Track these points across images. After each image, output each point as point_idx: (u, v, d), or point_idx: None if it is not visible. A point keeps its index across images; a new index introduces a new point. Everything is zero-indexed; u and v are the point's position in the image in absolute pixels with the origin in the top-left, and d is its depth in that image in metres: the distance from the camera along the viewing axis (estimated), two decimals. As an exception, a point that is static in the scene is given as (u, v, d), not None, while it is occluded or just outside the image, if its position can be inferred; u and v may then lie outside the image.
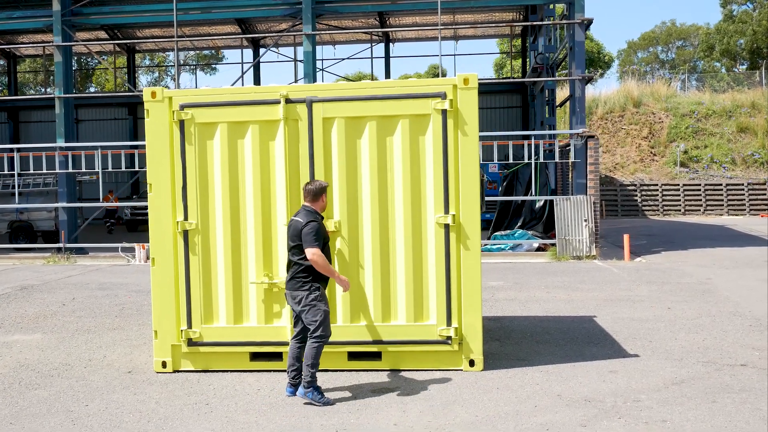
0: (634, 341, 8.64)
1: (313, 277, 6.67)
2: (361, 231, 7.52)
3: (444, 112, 7.37)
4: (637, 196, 34.59)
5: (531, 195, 19.80)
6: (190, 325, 7.65)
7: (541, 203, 20.12)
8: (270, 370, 7.58)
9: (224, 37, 26.94)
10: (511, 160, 18.62)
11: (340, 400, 6.57)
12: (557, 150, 18.60)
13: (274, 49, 30.54)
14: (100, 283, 14.67)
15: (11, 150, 19.83)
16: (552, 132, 19.36)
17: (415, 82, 7.63)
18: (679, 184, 34.57)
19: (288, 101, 7.50)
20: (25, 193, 22.13)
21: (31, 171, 20.26)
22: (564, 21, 19.73)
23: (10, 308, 11.82)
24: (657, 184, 34.62)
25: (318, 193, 6.85)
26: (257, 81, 30.50)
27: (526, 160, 18.05)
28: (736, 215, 33.30)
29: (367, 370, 7.50)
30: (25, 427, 6.09)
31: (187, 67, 40.97)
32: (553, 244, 18.12)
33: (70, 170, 19.50)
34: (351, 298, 7.52)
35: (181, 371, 7.69)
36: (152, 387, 7.18)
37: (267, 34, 22.23)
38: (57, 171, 19.43)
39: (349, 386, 7.01)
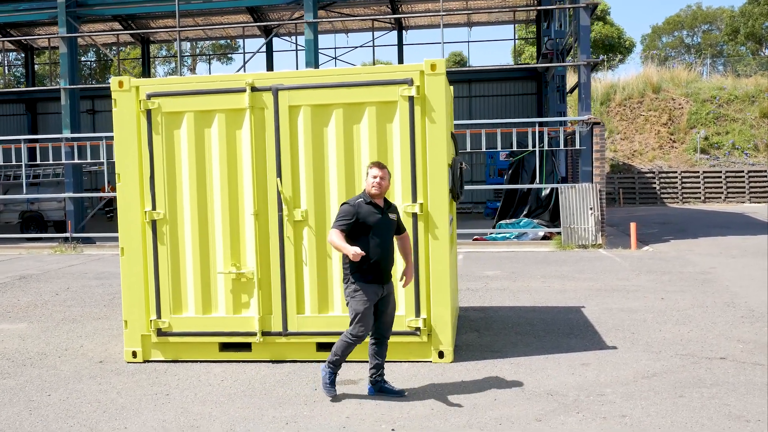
0: (616, 333, 8.46)
1: (351, 269, 6.16)
2: (328, 220, 7.40)
3: (411, 99, 7.22)
4: (655, 183, 34.10)
5: (536, 183, 19.52)
6: (159, 315, 7.61)
7: (548, 191, 19.86)
8: (239, 361, 7.52)
9: (234, 25, 26.89)
10: (515, 148, 18.36)
11: (301, 392, 6.49)
12: (562, 137, 18.32)
13: (287, 38, 30.46)
14: (98, 272, 14.73)
15: (18, 141, 19.93)
16: (554, 119, 19.04)
17: (381, 69, 7.48)
18: (699, 172, 34.02)
19: (254, 89, 7.40)
20: (36, 184, 22.35)
21: (38, 161, 20.41)
22: (570, 5, 19.39)
23: (3, 297, 11.90)
24: (676, 172, 34.10)
25: (366, 173, 6.37)
26: (270, 70, 30.45)
27: (530, 148, 17.78)
28: (759, 203, 32.69)
29: (335, 362, 7.40)
30: (-19, 417, 6.09)
31: (203, 57, 41.03)
32: (559, 233, 17.88)
33: (76, 161, 19.62)
34: (318, 289, 7.43)
35: (151, 361, 7.65)
36: (119, 377, 7.15)
37: (274, 23, 22.15)
38: (63, 162, 19.55)
39: (313, 378, 6.91)
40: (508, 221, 19.54)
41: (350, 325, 6.18)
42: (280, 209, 7.40)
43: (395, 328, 7.27)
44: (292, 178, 7.40)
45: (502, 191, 21.41)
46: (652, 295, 10.80)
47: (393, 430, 5.52)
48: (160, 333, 7.60)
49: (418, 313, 7.30)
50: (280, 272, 7.43)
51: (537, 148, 17.91)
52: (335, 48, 31.88)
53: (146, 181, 7.57)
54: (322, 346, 7.50)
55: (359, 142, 7.35)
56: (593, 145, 17.75)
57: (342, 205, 6.25)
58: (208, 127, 7.51)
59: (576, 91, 18.81)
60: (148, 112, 7.52)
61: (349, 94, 7.32)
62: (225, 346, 7.63)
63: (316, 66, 18.85)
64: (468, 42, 33.09)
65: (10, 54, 38.67)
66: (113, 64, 41.22)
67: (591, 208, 17.56)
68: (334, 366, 6.25)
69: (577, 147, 17.95)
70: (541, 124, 18.79)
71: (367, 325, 6.13)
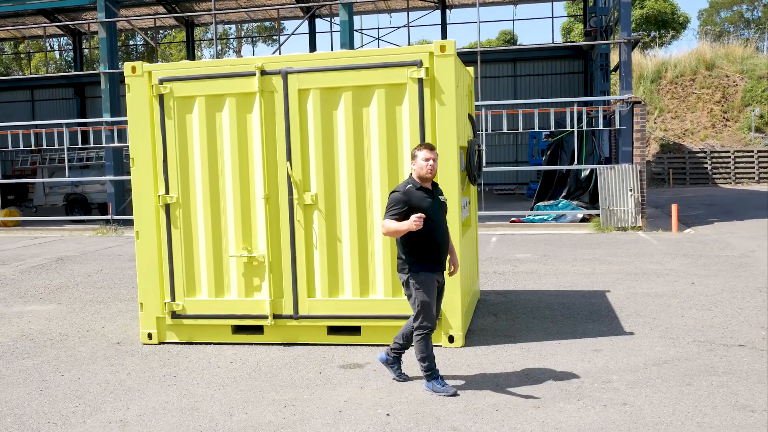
0: (636, 318, 8.28)
1: (413, 257, 5.83)
2: (338, 204, 7.39)
3: (420, 81, 7.13)
4: (707, 163, 33.23)
5: (575, 164, 19.18)
6: (173, 298, 7.70)
7: (587, 172, 19.50)
8: (251, 343, 7.58)
9: (274, 7, 26.90)
10: (553, 129, 18.06)
11: (306, 375, 6.51)
12: (601, 117, 17.93)
13: (327, 19, 30.41)
14: (133, 254, 14.95)
15: (60, 125, 20.36)
16: (592, 99, 18.65)
17: (390, 50, 7.39)
18: (753, 151, 33.03)
19: (263, 73, 7.39)
20: (84, 167, 22.83)
21: (86, 145, 20.84)
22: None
23: (38, 279, 12.21)
24: (729, 151, 33.16)
25: (412, 155, 6.02)
26: (312, 52, 30.48)
27: (568, 129, 17.46)
28: (815, 183, 31.64)
29: (345, 345, 7.41)
30: (-6, 397, 6.25)
31: (247, 39, 41.28)
32: (598, 215, 17.57)
33: (116, 144, 19.97)
34: (329, 272, 7.42)
35: (165, 343, 7.77)
36: (132, 358, 7.27)
37: (314, 3, 22.08)
38: (104, 145, 19.93)
39: (321, 361, 6.94)
40: (546, 203, 19.27)
41: (415, 319, 5.91)
42: (291, 193, 7.41)
43: (405, 312, 7.27)
44: (301, 162, 7.38)
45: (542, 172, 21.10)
46: (682, 280, 10.53)
47: (388, 414, 5.49)
48: (174, 315, 7.70)
49: (427, 297, 7.23)
50: (291, 256, 7.44)
51: (575, 129, 17.57)
52: (378, 28, 31.78)
53: (160, 165, 7.64)
54: (333, 330, 7.51)
55: (368, 125, 7.29)
56: (633, 125, 17.35)
57: (391, 193, 5.95)
58: (220, 111, 7.54)
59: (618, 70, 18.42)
60: (161, 97, 7.58)
61: (358, 76, 7.26)
62: (238, 329, 7.69)
63: (352, 48, 18.76)
64: (513, 20, 32.61)
65: (62, 39, 39.53)
66: (160, 48, 41.74)
67: (630, 190, 17.19)
68: (429, 366, 5.94)
69: (617, 127, 17.56)
70: (579, 103, 18.42)
71: (432, 313, 5.89)
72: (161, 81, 7.56)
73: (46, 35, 33.48)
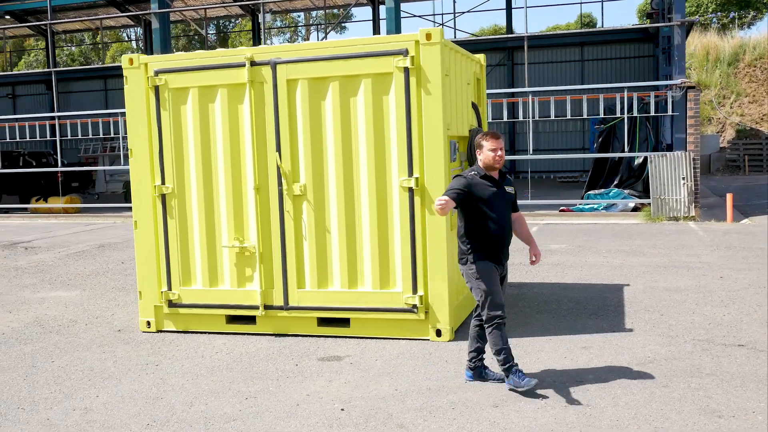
0: (643, 314, 7.96)
1: (472, 246, 5.69)
2: (326, 195, 7.35)
3: (406, 70, 7.00)
4: (786, 150, 31.65)
5: (627, 151, 18.57)
6: (170, 287, 7.82)
7: (641, 160, 18.85)
8: (243, 333, 7.64)
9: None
10: (603, 115, 17.51)
11: (282, 367, 6.51)
12: (653, 102, 17.29)
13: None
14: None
15: (116, 114, 20.95)
16: (641, 84, 17.98)
17: (376, 39, 7.28)
18: (836, 137, 31.32)
19: (253, 64, 7.39)
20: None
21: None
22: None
23: (74, 265, 12.61)
24: (810, 137, 31.52)
25: (477, 145, 5.83)
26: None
27: (618, 115, 16.91)
28: None
29: (334, 337, 7.38)
30: (-18, 380, 6.48)
31: (315, 26, 41.52)
32: (650, 204, 16.98)
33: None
34: (318, 263, 7.40)
35: (163, 331, 7.90)
36: (125, 346, 7.42)
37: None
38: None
39: (304, 353, 6.93)
40: (596, 192, 18.74)
41: (482, 309, 5.66)
42: (280, 184, 7.40)
43: (393, 305, 7.20)
44: (290, 153, 7.36)
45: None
46: (711, 274, 10.08)
47: (342, 409, 5.44)
48: (170, 304, 7.82)
49: (415, 290, 7.14)
50: (281, 246, 7.45)
51: (626, 115, 17.01)
52: (442, 14, 31.55)
53: (156, 156, 7.75)
54: (324, 321, 7.49)
55: (356, 115, 7.21)
56: (687, 111, 16.67)
57: (455, 176, 5.83)
58: (212, 102, 7.58)
59: (695, 52, 17.75)
60: (156, 89, 7.68)
61: (345, 66, 7.18)
62: (232, 319, 7.76)
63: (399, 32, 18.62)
64: (602, 1, 31.59)
65: (137, 29, 40.64)
66: (230, 37, 42.46)
67: (683, 178, 16.55)
68: (506, 359, 5.60)
69: (670, 113, 16.91)
70: (629, 89, 17.81)
71: (499, 301, 5.63)
72: (156, 73, 7.66)
73: (119, 26, 34.45)
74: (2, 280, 11.27)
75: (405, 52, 6.98)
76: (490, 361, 5.99)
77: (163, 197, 7.77)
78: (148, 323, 7.92)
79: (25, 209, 22.95)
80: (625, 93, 16.89)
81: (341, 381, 6.09)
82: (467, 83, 8.23)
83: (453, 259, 7.29)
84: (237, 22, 39.01)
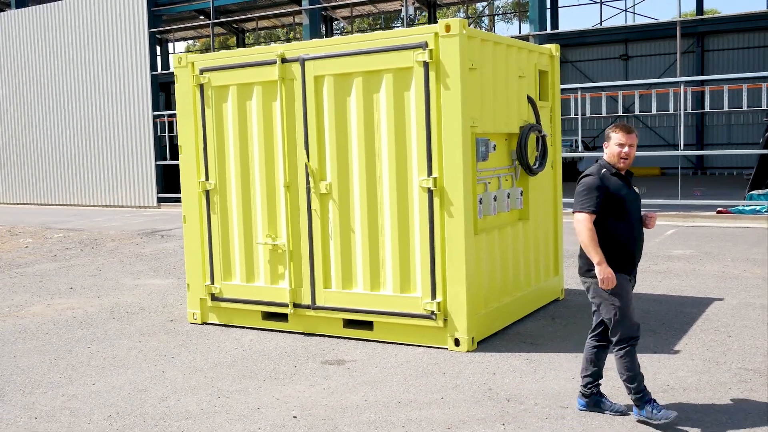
0: (708, 334, 7.05)
1: (607, 258, 4.87)
2: (351, 194, 7.17)
3: (425, 64, 6.65)
4: None
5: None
6: (212, 281, 8.00)
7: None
8: (276, 330, 7.65)
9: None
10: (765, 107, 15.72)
11: (279, 368, 6.44)
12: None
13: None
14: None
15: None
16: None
17: (397, 32, 6.96)
18: None
19: (284, 61, 7.35)
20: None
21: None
22: None
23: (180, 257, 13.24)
24: None
25: (606, 136, 5.08)
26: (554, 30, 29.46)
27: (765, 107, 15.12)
28: None
29: (358, 339, 7.20)
30: (25, 352, 6.96)
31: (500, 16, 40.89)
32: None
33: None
34: (342, 263, 7.25)
35: (207, 324, 8.10)
36: (164, 336, 7.68)
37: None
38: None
39: (313, 354, 6.81)
40: (760, 192, 16.90)
41: (614, 327, 4.89)
42: (308, 182, 7.32)
43: (412, 310, 6.92)
44: (318, 150, 7.26)
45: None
46: (833, 291, 8.73)
47: (295, 417, 5.27)
48: (213, 298, 8.00)
49: (434, 295, 6.79)
50: (309, 245, 7.37)
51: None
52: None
53: (201, 152, 7.95)
54: (349, 323, 7.32)
55: (379, 111, 6.97)
56: None
57: (582, 177, 4.98)
58: (249, 99, 7.64)
59: None
60: (201, 87, 7.86)
61: (368, 61, 6.95)
62: (268, 315, 7.78)
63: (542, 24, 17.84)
64: None
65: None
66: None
67: None
68: (638, 390, 4.88)
69: None
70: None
71: (634, 321, 4.91)
72: (201, 71, 7.84)
73: (293, 23, 35.91)
74: (116, 266, 12.11)
75: (424, 45, 6.64)
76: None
77: (207, 193, 7.95)
78: (194, 315, 8.15)
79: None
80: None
81: (322, 387, 5.91)
82: (519, 76, 7.68)
83: (475, 265, 6.86)
84: (415, 18, 39.27)
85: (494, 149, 7.20)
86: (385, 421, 5.14)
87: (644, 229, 5.12)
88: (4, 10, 31.47)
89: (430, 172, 6.72)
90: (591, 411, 5.14)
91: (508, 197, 7.51)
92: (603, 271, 4.76)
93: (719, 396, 5.40)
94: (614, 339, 4.91)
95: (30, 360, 6.95)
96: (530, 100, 7.88)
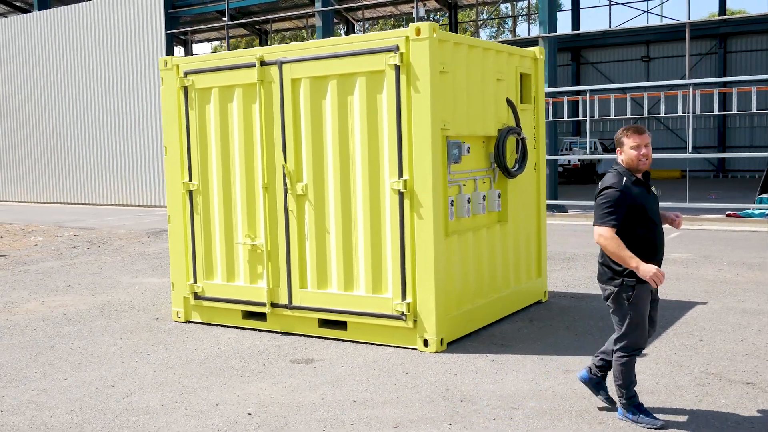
0: (681, 338, 7.04)
1: (625, 268, 4.77)
2: (326, 195, 7.27)
3: (397, 67, 6.72)
4: None
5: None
6: (195, 280, 8.14)
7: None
8: (256, 329, 7.77)
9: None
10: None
11: (248, 366, 6.55)
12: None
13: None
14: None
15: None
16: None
17: (370, 36, 7.04)
18: None
19: (263, 63, 7.47)
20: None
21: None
22: None
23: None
24: None
25: (617, 142, 5.00)
26: (575, 30, 29.32)
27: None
28: None
29: (332, 339, 7.29)
30: (9, 347, 7.14)
31: (527, 17, 40.80)
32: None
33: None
34: (318, 264, 7.35)
35: (190, 322, 8.24)
36: (146, 334, 7.83)
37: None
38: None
39: (284, 353, 6.91)
40: (769, 196, 16.71)
41: (624, 335, 4.89)
42: (285, 183, 7.43)
43: (384, 310, 7.00)
44: (294, 152, 7.37)
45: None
46: (822, 297, 8.64)
47: (249, 414, 5.37)
48: (196, 297, 8.13)
49: (404, 296, 6.86)
50: (285, 246, 7.48)
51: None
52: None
53: (185, 153, 8.09)
54: (325, 323, 7.41)
55: (353, 114, 7.06)
56: None
57: (604, 190, 4.82)
58: (230, 101, 7.77)
59: None
60: (185, 89, 8.00)
61: (342, 64, 7.05)
62: (248, 314, 7.90)
63: (552, 25, 17.81)
64: None
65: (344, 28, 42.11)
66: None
67: None
68: (629, 396, 4.96)
69: None
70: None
71: (644, 334, 4.94)
72: (185, 74, 7.98)
73: (314, 25, 36.10)
74: (117, 265, 12.33)
75: (396, 49, 6.71)
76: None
77: (190, 193, 8.09)
78: (178, 313, 8.29)
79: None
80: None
81: (283, 385, 6.01)
82: (498, 79, 7.72)
83: (446, 266, 6.92)
84: (437, 19, 39.35)
85: (468, 152, 7.25)
86: (335, 420, 5.22)
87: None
88: (29, 11, 32.08)
89: (401, 174, 6.79)
90: (585, 386, 5.34)
91: (484, 199, 7.56)
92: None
93: (672, 399, 5.41)
94: (620, 345, 4.93)
95: (11, 355, 7.13)
96: (509, 102, 7.91)
